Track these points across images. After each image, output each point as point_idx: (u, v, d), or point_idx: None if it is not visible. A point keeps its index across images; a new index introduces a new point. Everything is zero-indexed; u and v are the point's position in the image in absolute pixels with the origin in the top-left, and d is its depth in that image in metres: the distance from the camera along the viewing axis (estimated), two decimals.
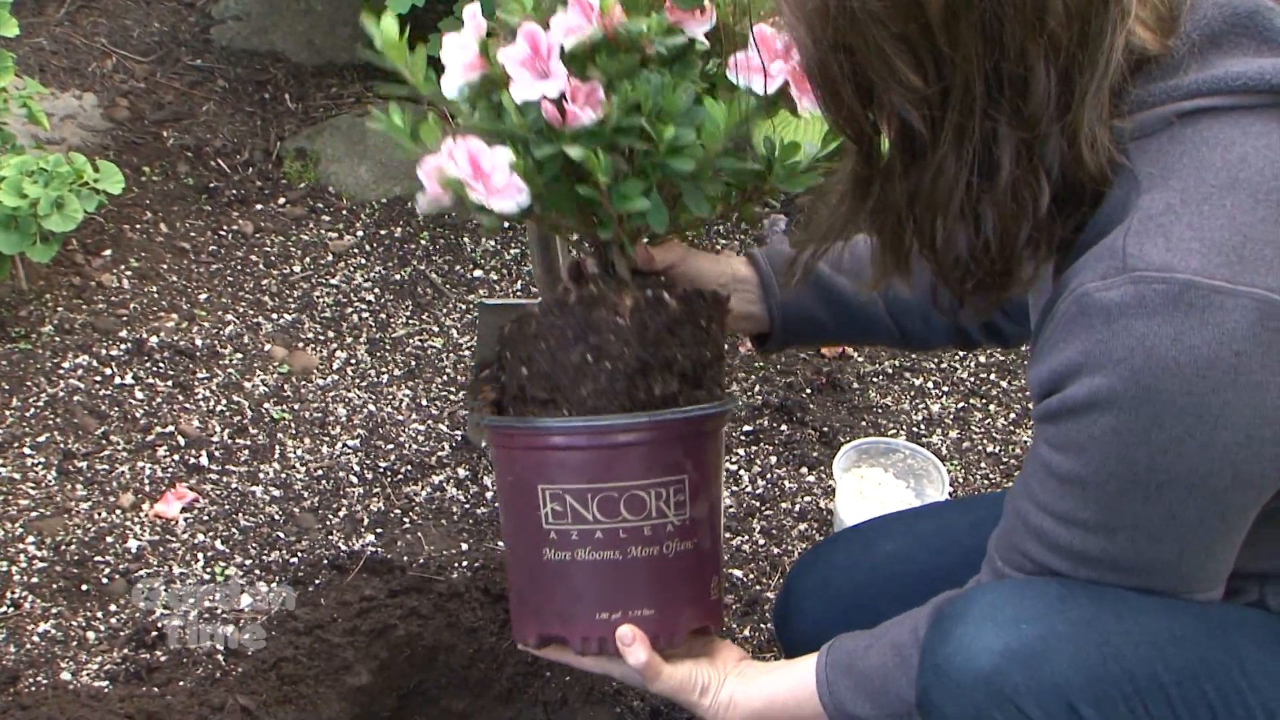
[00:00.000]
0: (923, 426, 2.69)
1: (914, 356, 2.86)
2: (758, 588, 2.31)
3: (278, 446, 2.57)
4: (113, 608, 2.22)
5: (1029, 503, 1.27)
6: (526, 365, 1.58)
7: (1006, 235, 1.19)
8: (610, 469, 1.52)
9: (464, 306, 2.98)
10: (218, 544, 2.35)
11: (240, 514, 2.41)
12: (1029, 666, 1.24)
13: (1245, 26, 1.17)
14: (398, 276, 3.04)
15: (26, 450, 2.51)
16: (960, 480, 2.56)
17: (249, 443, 2.57)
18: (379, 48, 1.52)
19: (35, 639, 2.15)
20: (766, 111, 1.53)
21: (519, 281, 3.05)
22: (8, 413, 2.58)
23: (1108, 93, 1.14)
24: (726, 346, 2.75)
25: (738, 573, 2.34)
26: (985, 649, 1.26)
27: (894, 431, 2.66)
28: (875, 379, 2.81)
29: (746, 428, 2.66)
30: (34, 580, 2.25)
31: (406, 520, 2.42)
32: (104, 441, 2.54)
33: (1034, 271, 1.24)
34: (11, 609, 2.19)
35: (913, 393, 2.78)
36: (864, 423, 2.68)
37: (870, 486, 2.40)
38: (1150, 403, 1.11)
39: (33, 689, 2.05)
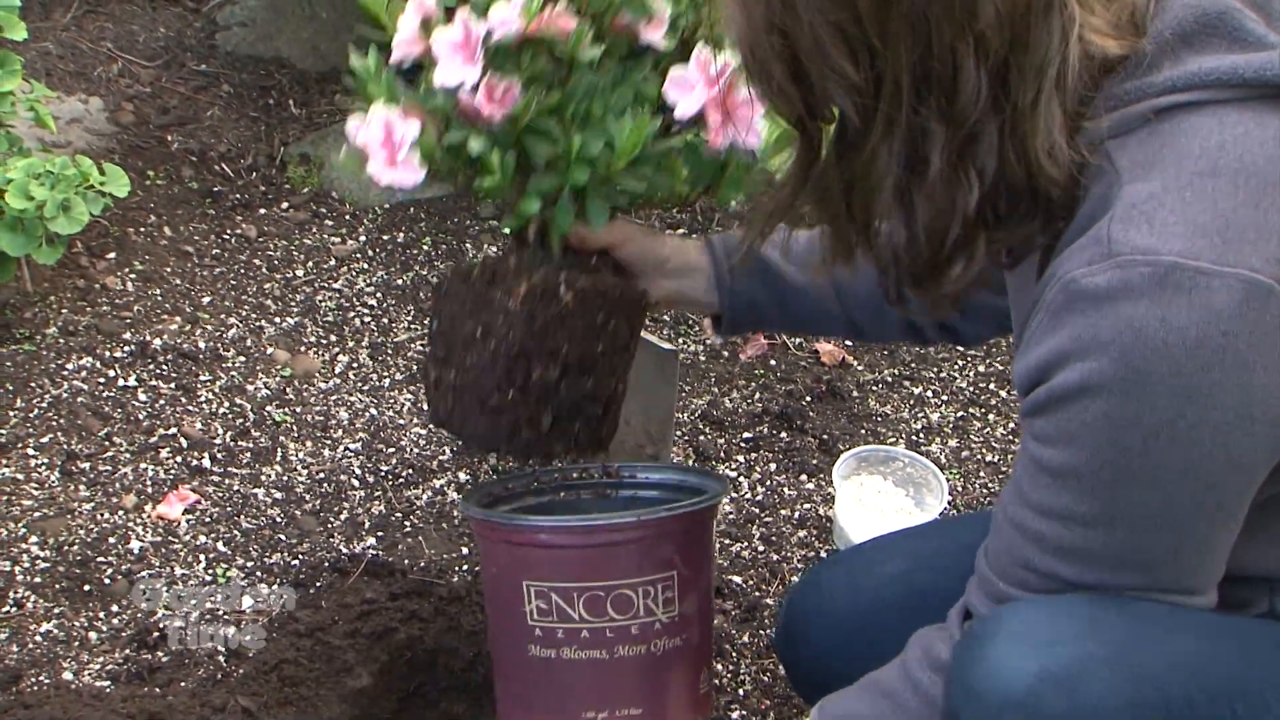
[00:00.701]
0: (922, 435, 2.71)
1: (913, 365, 2.87)
2: (757, 594, 2.32)
3: (280, 449, 2.58)
4: (115, 608, 2.23)
5: (1024, 509, 1.26)
6: (436, 319, 1.66)
7: (934, 230, 1.21)
8: (596, 568, 1.51)
9: None
10: (219, 545, 2.36)
11: (242, 516, 2.43)
12: (1065, 690, 1.22)
13: (1215, 27, 1.19)
14: (400, 281, 3.06)
15: (30, 451, 2.52)
16: (959, 489, 2.57)
17: (251, 445, 2.59)
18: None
19: (38, 639, 2.16)
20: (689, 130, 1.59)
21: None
22: (12, 413, 2.59)
23: (1067, 101, 1.16)
24: (726, 353, 2.77)
25: (737, 579, 2.35)
26: (1020, 671, 1.24)
27: (893, 440, 2.67)
28: (875, 387, 2.82)
29: (746, 434, 2.67)
30: (36, 580, 2.26)
31: (407, 524, 2.43)
32: (107, 443, 2.56)
33: (964, 271, 1.24)
34: (14, 609, 2.21)
35: (912, 401, 2.79)
36: (864, 431, 2.69)
37: (870, 494, 2.41)
38: (1140, 384, 1.11)
39: (35, 688, 2.06)
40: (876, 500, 2.40)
